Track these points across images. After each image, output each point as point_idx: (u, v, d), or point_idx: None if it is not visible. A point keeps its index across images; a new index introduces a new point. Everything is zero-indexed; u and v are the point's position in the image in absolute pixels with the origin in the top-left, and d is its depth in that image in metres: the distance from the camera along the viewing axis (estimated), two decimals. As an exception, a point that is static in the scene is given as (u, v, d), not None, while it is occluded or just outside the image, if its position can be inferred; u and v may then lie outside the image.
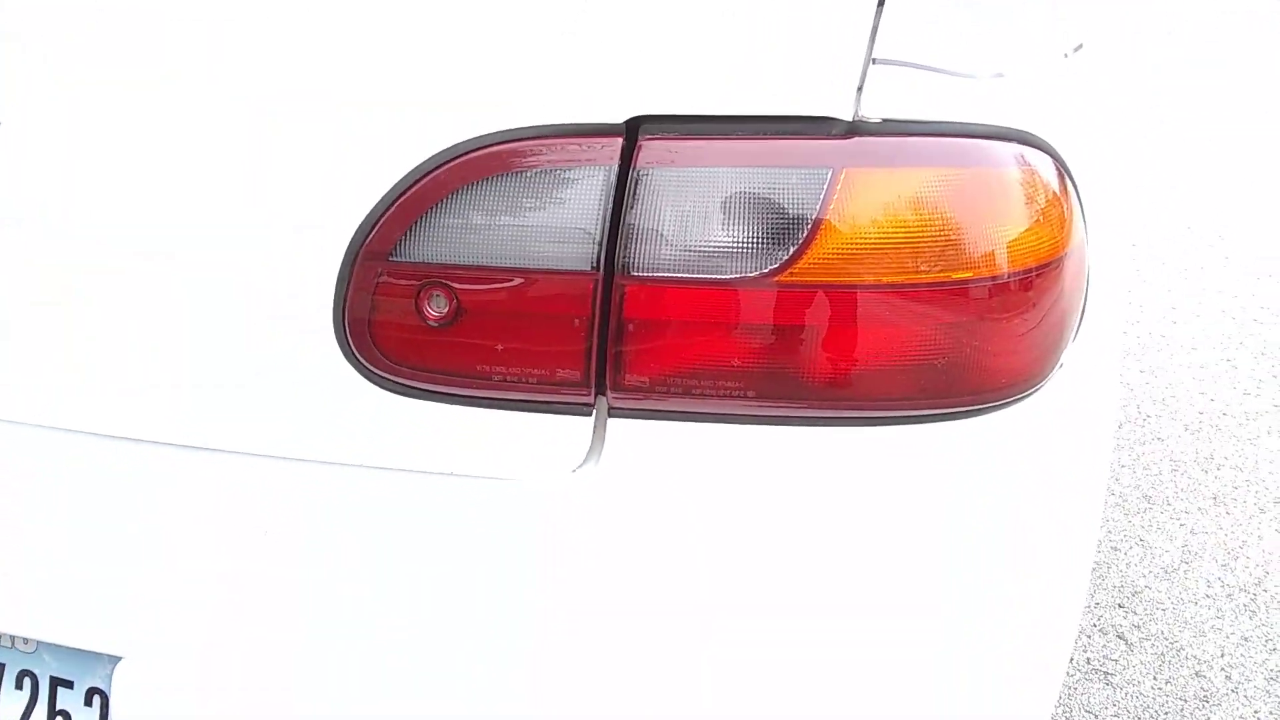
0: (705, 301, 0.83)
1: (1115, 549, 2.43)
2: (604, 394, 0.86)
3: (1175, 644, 2.11)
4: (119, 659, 0.94)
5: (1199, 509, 2.62)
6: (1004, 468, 0.90)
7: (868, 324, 0.83)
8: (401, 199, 0.83)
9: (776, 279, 0.81)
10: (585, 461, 0.88)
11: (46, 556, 0.95)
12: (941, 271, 0.83)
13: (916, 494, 0.87)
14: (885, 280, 0.82)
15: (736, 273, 0.82)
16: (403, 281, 0.85)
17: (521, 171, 0.82)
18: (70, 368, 0.94)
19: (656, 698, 0.89)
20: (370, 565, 0.90)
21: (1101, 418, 1.12)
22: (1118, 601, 2.23)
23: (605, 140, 0.81)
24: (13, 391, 0.95)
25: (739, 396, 0.85)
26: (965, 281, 0.83)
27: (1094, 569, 2.34)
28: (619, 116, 0.81)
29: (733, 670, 0.88)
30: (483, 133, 0.82)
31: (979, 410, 0.88)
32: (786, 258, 0.81)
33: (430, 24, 0.85)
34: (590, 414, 0.87)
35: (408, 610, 0.89)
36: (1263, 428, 3.08)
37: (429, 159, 0.83)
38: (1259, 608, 2.23)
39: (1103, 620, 2.16)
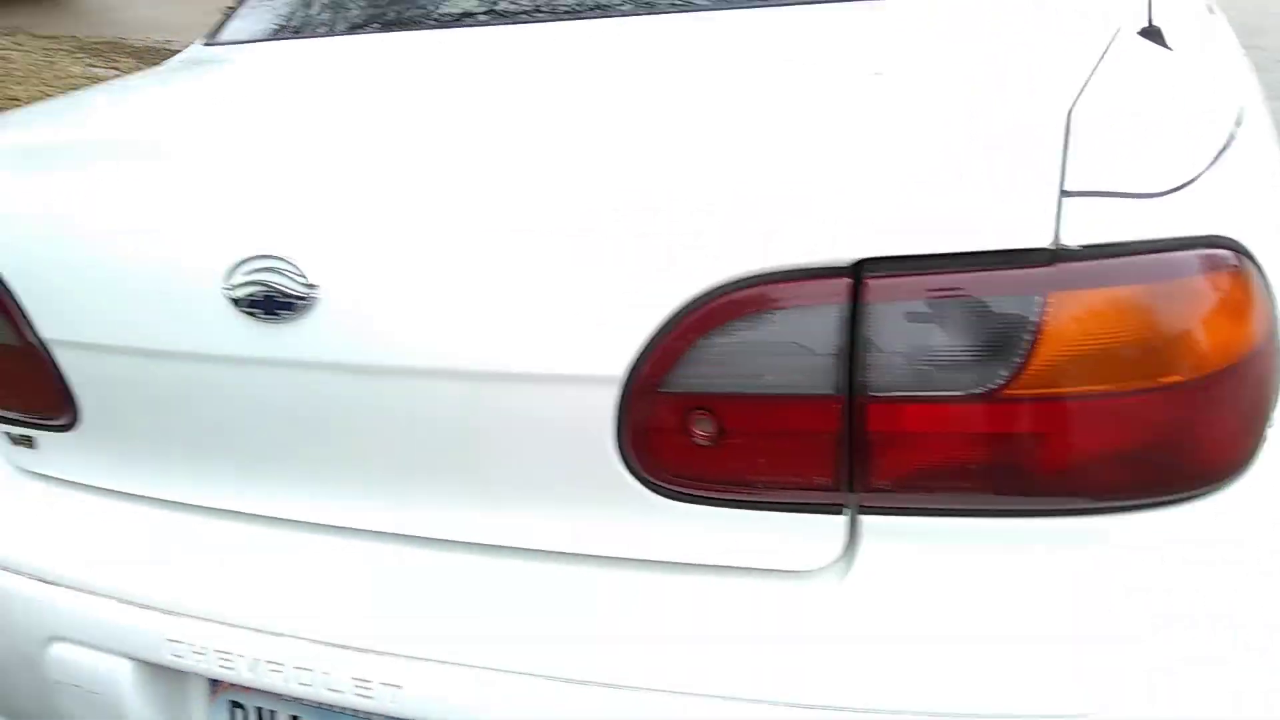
0: (936, 414, 0.97)
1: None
2: (854, 495, 1.01)
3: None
4: None
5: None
6: (1227, 543, 1.00)
7: (1082, 428, 0.95)
8: (667, 337, 1.00)
9: (998, 393, 0.94)
10: (842, 555, 1.03)
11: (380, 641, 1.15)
12: (1147, 378, 0.94)
13: (1137, 577, 0.99)
14: (1097, 389, 0.95)
15: (961, 389, 0.95)
16: (672, 408, 1.02)
17: (769, 309, 0.98)
18: (405, 481, 1.14)
19: None
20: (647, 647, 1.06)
21: None
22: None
23: (836, 280, 0.96)
24: (356, 504, 1.17)
25: (972, 492, 0.99)
26: (1170, 385, 0.94)
27: None
28: (847, 259, 0.95)
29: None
30: (733, 277, 0.97)
31: (1195, 495, 0.99)
32: (1006, 375, 0.94)
33: (687, 178, 1.00)
34: (842, 513, 1.02)
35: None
36: None
37: (689, 301, 0.98)
38: None
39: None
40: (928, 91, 1.06)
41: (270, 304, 1.11)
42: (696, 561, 1.07)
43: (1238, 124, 1.25)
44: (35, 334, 1.29)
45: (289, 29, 1.82)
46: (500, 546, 1.14)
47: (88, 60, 7.11)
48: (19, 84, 6.34)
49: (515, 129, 1.13)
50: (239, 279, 1.11)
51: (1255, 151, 1.27)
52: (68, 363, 1.29)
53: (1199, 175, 1.01)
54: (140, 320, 1.21)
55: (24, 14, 9.14)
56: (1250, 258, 0.99)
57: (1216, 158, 1.07)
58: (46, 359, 1.30)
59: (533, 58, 1.45)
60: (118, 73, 6.78)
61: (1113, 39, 1.15)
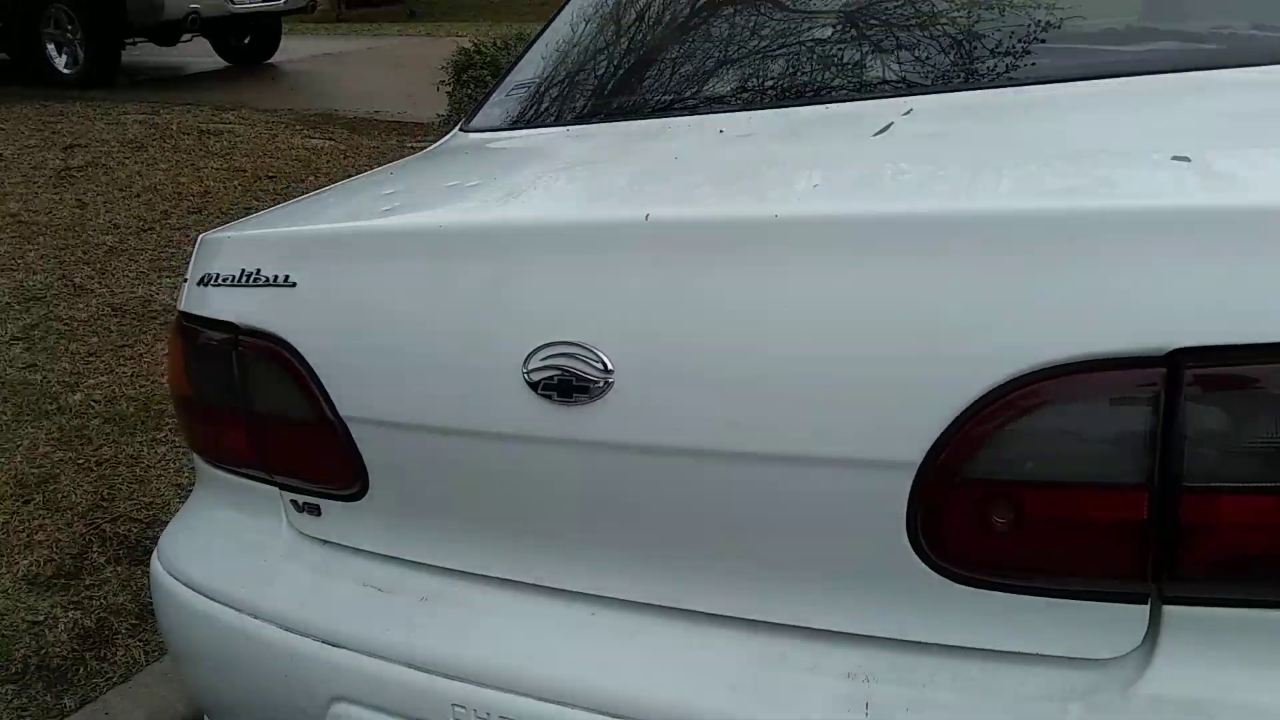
0: (1252, 505, 0.94)
1: None
2: (1157, 584, 0.98)
3: None
4: None
5: None
6: None
7: None
8: (969, 423, 1.00)
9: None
10: (1141, 644, 1.01)
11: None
12: None
13: None
14: None
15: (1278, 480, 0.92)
16: (969, 494, 1.02)
17: (1079, 397, 0.97)
18: (689, 558, 1.17)
19: None
20: None
21: None
22: None
23: (1150, 370, 0.94)
24: (637, 578, 1.20)
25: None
26: None
27: None
28: (1163, 347, 0.94)
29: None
30: (1043, 363, 0.97)
31: None
32: None
33: (1002, 261, 1.00)
34: (1145, 602, 1.00)
35: None
36: None
37: (995, 387, 0.98)
38: None
39: None
40: (1234, 178, 1.04)
41: (567, 388, 1.16)
42: (988, 647, 1.06)
43: None
44: (334, 411, 1.38)
45: (552, 115, 1.90)
46: (783, 625, 1.15)
47: (305, 132, 7.56)
48: (245, 156, 6.79)
49: (806, 205, 1.15)
50: (537, 364, 1.17)
51: None
52: (363, 438, 1.37)
53: None
54: (437, 400, 1.28)
55: (248, 88, 9.81)
56: None
57: None
58: (343, 434, 1.38)
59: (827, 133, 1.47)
60: (333, 143, 7.19)
61: None
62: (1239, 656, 0.97)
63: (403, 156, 2.09)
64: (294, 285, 1.40)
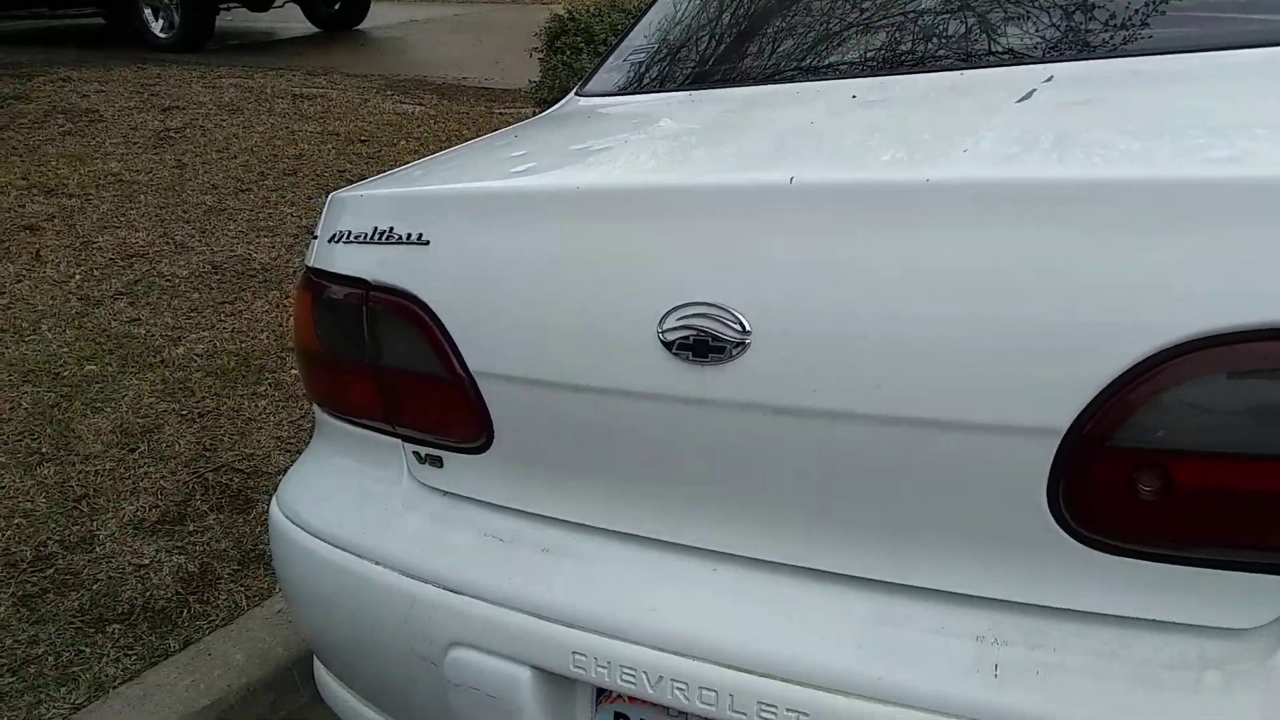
0: None
1: None
2: None
3: None
4: None
5: None
6: None
7: None
8: (1121, 392, 0.99)
9: None
10: None
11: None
12: None
13: None
14: None
15: None
16: (1117, 462, 1.01)
17: (1240, 367, 0.96)
18: (821, 518, 1.18)
19: None
20: (1090, 703, 1.05)
21: None
22: None
23: None
24: (767, 536, 1.22)
25: None
26: None
27: None
28: None
29: None
30: (1198, 334, 0.96)
31: None
32: None
33: (1167, 221, 0.99)
34: None
35: None
36: None
37: (1152, 354, 0.98)
38: None
39: None
40: None
41: (703, 348, 1.17)
42: (1123, 614, 1.06)
43: None
44: (463, 367, 1.40)
45: (672, 79, 1.91)
46: (915, 588, 1.16)
47: (396, 97, 7.64)
48: (338, 120, 6.89)
49: (956, 170, 1.14)
50: (672, 324, 1.18)
51: None
52: (491, 393, 1.40)
53: None
54: (569, 358, 1.30)
55: (339, 54, 9.94)
56: None
57: None
58: (471, 389, 1.41)
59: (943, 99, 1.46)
60: (423, 108, 7.26)
61: None
62: None
63: (492, 122, 2.11)
64: (427, 243, 1.43)
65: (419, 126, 6.76)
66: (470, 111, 7.17)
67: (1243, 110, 1.21)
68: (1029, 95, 1.33)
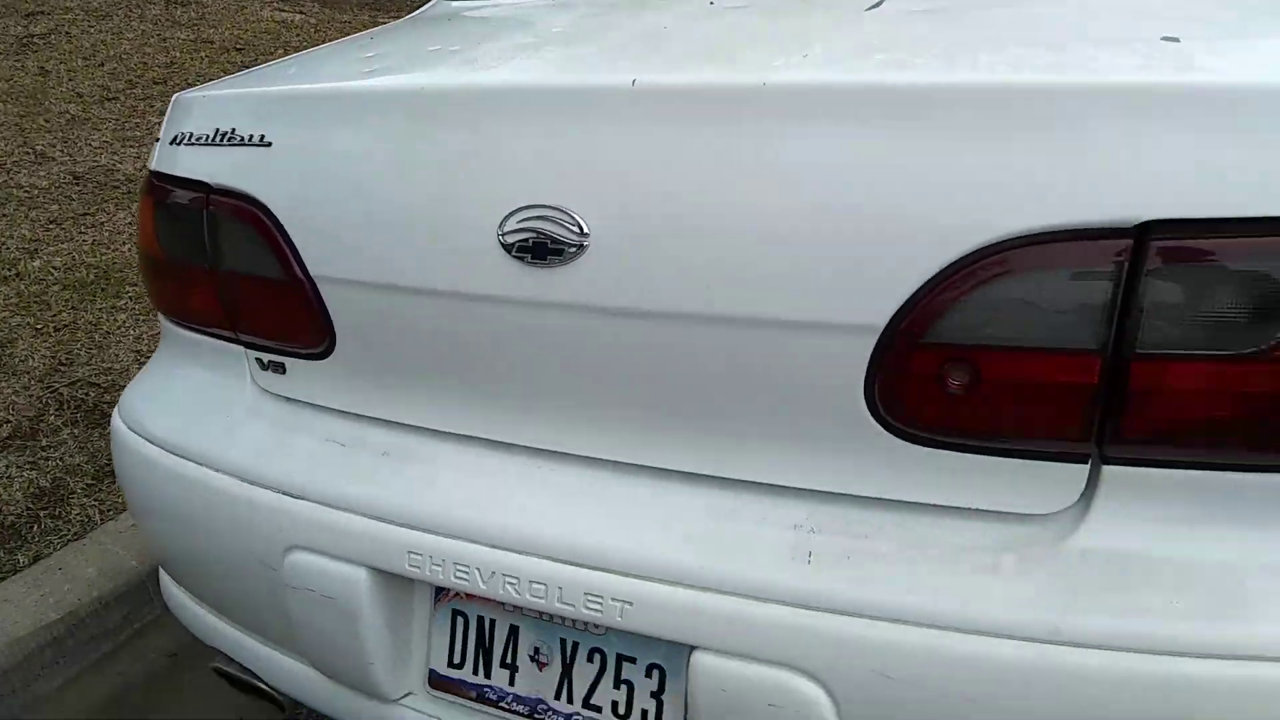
0: (1200, 373, 0.97)
1: None
2: (1100, 446, 1.02)
3: None
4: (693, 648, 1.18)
5: None
6: None
7: None
8: (935, 290, 1.02)
9: (1271, 354, 0.95)
10: (1078, 500, 1.05)
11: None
12: None
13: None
14: None
15: (1231, 350, 0.95)
16: (929, 358, 1.04)
17: (1046, 266, 0.99)
18: (654, 417, 1.20)
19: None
20: (883, 581, 1.09)
21: None
22: None
23: (1118, 241, 0.96)
24: (602, 436, 1.23)
25: (1223, 447, 1.00)
26: None
27: None
28: (1131, 220, 0.96)
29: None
30: (1009, 233, 0.99)
31: None
32: (1278, 337, 0.94)
33: (973, 131, 1.02)
34: (1086, 461, 1.03)
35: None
36: None
37: (964, 256, 1.01)
38: None
39: None
40: (1219, 59, 1.04)
41: (542, 250, 1.16)
42: (932, 503, 1.10)
43: None
44: (304, 271, 1.38)
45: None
46: (741, 482, 1.18)
47: (276, 5, 7.38)
48: (213, 27, 6.63)
49: (794, 74, 1.14)
50: (513, 226, 1.17)
51: None
52: (332, 298, 1.38)
53: None
54: (410, 261, 1.28)
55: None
56: None
57: None
58: (312, 294, 1.38)
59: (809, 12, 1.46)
60: (303, 16, 7.03)
61: None
62: (1165, 515, 1.02)
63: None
64: (269, 145, 1.39)
65: (298, 35, 6.55)
66: (354, 20, 6.98)
67: (1085, 20, 1.24)
68: (878, 4, 1.34)
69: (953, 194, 1.01)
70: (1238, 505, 1.01)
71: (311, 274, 1.38)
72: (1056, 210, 0.98)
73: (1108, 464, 1.04)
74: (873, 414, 1.09)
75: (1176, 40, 1.06)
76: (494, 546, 1.25)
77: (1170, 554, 1.02)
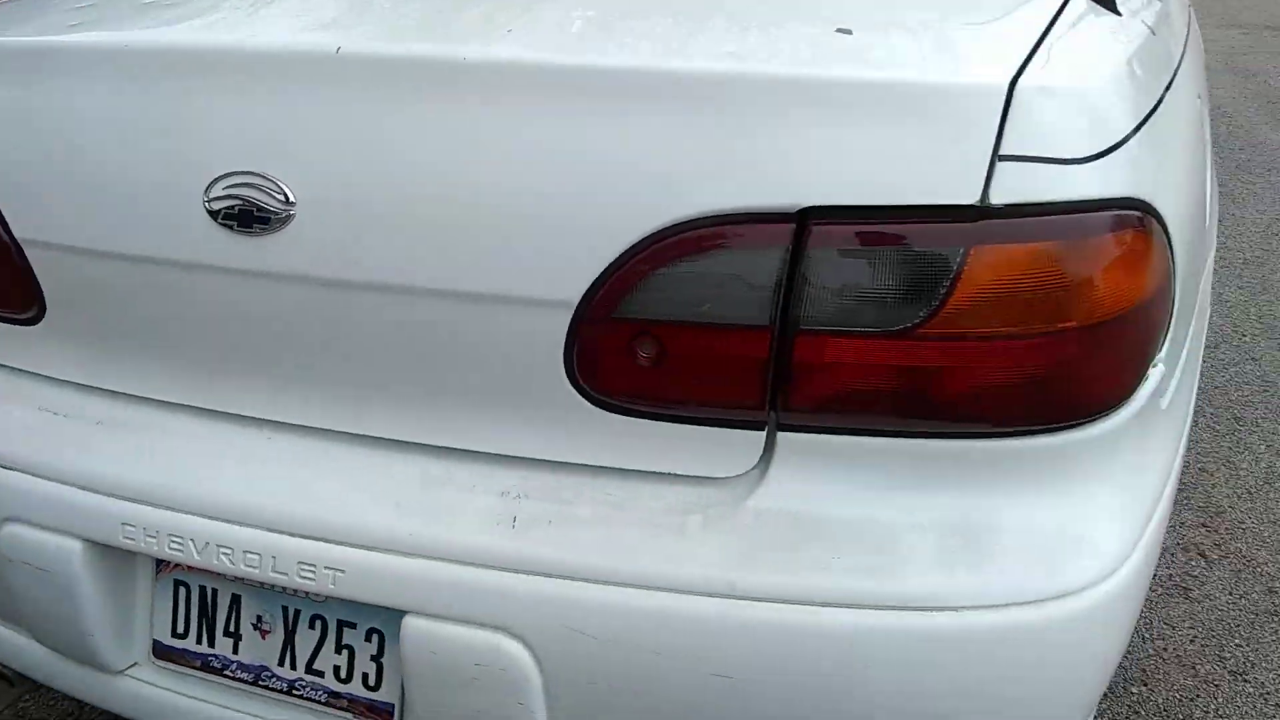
0: (856, 348, 1.06)
1: (1203, 470, 2.61)
2: (774, 414, 1.10)
3: (1252, 562, 2.31)
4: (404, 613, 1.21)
5: (1286, 430, 2.78)
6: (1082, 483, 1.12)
7: (985, 365, 1.05)
8: (622, 269, 1.07)
9: (915, 331, 1.04)
10: (757, 463, 1.13)
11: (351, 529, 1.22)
12: (1047, 322, 1.04)
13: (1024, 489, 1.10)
14: (1002, 331, 1.04)
15: (884, 327, 1.04)
16: (620, 332, 1.10)
17: (719, 247, 1.06)
18: (365, 386, 1.22)
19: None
20: (587, 543, 1.15)
21: (1183, 423, 1.34)
22: (1201, 521, 2.43)
23: (782, 225, 1.04)
24: (314, 405, 1.24)
25: (879, 416, 1.09)
26: (1065, 330, 1.05)
27: (1181, 489, 2.53)
28: (793, 206, 1.03)
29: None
30: (689, 215, 1.06)
31: (1069, 427, 1.10)
32: (924, 315, 1.03)
33: (653, 123, 1.07)
34: (763, 429, 1.11)
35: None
36: (1355, 347, 3.20)
37: (646, 236, 1.07)
38: (1335, 528, 2.41)
39: (1186, 539, 2.37)
40: (887, 53, 1.12)
41: (248, 218, 1.16)
42: (631, 467, 1.17)
43: (1168, 89, 1.33)
44: (8, 233, 1.33)
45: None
46: (454, 450, 1.22)
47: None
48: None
49: (493, 49, 1.17)
50: (218, 193, 1.16)
51: (1179, 113, 1.36)
52: (39, 262, 1.34)
53: (1122, 140, 1.10)
54: (116, 226, 1.26)
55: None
56: (1156, 216, 1.09)
57: (1142, 123, 1.16)
58: (18, 257, 1.34)
59: None
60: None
61: (1065, 3, 1.22)
62: (834, 478, 1.11)
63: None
64: None
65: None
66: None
67: (770, 9, 1.29)
68: None
69: (637, 178, 1.07)
70: (895, 469, 1.11)
71: (16, 236, 1.33)
72: (729, 196, 1.04)
73: (782, 431, 1.11)
74: (573, 384, 1.14)
75: (850, 32, 1.14)
76: (208, 517, 1.25)
77: (837, 514, 1.11)
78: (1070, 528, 1.11)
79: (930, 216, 1.02)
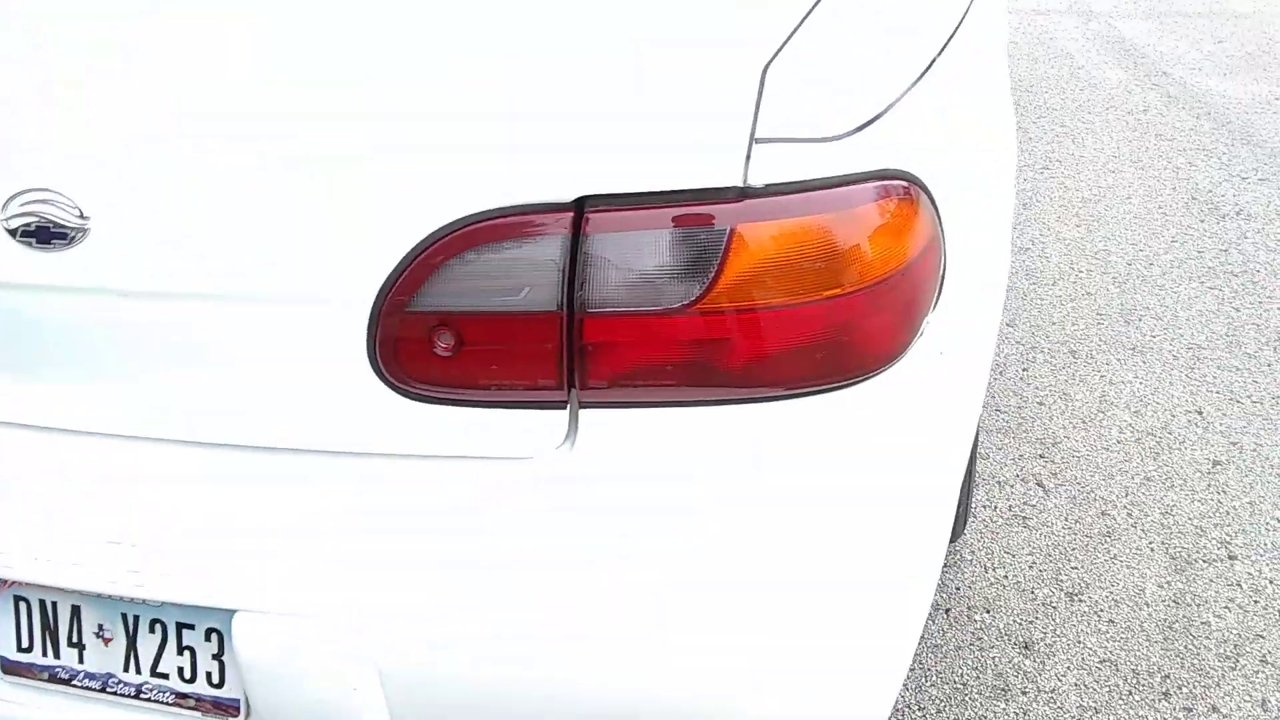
0: (640, 326, 1.12)
1: (1041, 404, 2.76)
2: (574, 392, 1.16)
3: (1086, 488, 2.45)
4: (234, 611, 1.25)
5: (1118, 360, 2.94)
6: (873, 430, 1.20)
7: (762, 334, 1.13)
8: (412, 265, 1.12)
9: (691, 308, 1.11)
10: (565, 440, 1.18)
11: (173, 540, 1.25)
12: (815, 292, 1.12)
13: (808, 449, 1.18)
14: (774, 302, 1.11)
15: (662, 305, 1.11)
16: (417, 324, 1.14)
17: (504, 239, 1.11)
18: (174, 392, 1.24)
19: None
20: (407, 529, 1.20)
21: (970, 369, 1.43)
22: (1039, 453, 2.57)
23: (559, 214, 1.09)
24: (125, 412, 1.26)
25: (673, 388, 1.16)
26: (834, 296, 1.13)
27: (1020, 424, 2.68)
28: (569, 196, 1.09)
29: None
30: (470, 212, 1.10)
31: (853, 382, 1.18)
32: (698, 293, 1.10)
33: (416, 120, 1.12)
34: (565, 408, 1.17)
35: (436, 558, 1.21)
36: (1184, 275, 3.38)
37: (434, 232, 1.11)
38: (1162, 449, 2.58)
39: (1024, 470, 2.51)
40: (643, 46, 1.18)
41: (45, 234, 1.17)
42: (443, 453, 1.21)
43: (944, 49, 1.41)
44: None
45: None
46: (265, 448, 1.25)
47: None
48: None
49: (269, 59, 1.20)
50: (16, 210, 1.18)
51: (964, 72, 1.45)
52: None
53: (880, 114, 1.17)
54: None
55: None
56: (919, 184, 1.17)
57: (906, 92, 1.23)
58: None
59: None
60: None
61: None
62: (637, 448, 1.17)
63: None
64: None
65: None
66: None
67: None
68: None
69: (421, 180, 1.11)
70: (700, 440, 1.17)
71: None
72: (509, 191, 1.10)
73: (585, 409, 1.17)
74: (379, 376, 1.18)
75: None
76: (32, 528, 1.27)
77: (642, 477, 1.17)
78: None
79: (697, 199, 1.09)
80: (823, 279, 1.12)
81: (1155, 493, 2.43)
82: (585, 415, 1.18)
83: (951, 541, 2.23)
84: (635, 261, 1.10)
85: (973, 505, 2.40)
